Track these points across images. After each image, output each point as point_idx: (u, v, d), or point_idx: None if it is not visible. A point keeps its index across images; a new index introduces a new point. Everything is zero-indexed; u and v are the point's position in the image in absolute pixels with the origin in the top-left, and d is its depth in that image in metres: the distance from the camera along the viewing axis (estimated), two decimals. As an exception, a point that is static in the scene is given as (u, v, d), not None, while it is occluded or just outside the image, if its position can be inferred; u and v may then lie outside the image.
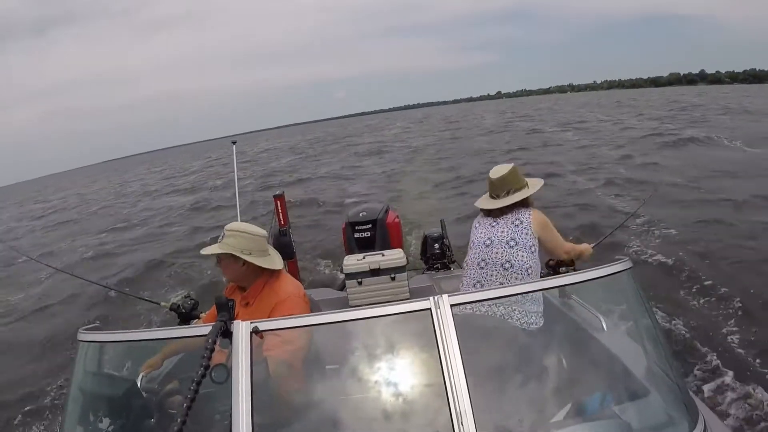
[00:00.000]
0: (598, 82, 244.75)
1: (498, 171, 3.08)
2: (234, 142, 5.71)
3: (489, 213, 3.05)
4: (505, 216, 2.98)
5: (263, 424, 1.63)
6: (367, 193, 16.28)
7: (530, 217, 2.92)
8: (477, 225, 3.10)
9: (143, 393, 2.31)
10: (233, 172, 5.26)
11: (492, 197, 3.05)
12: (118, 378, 2.28)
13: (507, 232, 2.90)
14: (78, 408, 2.08)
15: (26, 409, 5.40)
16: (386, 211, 5.06)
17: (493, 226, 2.96)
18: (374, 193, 16.42)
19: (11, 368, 6.32)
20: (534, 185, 3.08)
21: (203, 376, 1.45)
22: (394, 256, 3.82)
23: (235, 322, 1.67)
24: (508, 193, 3.00)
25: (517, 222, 2.91)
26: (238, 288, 2.76)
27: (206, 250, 2.68)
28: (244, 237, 2.61)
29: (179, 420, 1.35)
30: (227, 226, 2.67)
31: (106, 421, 2.09)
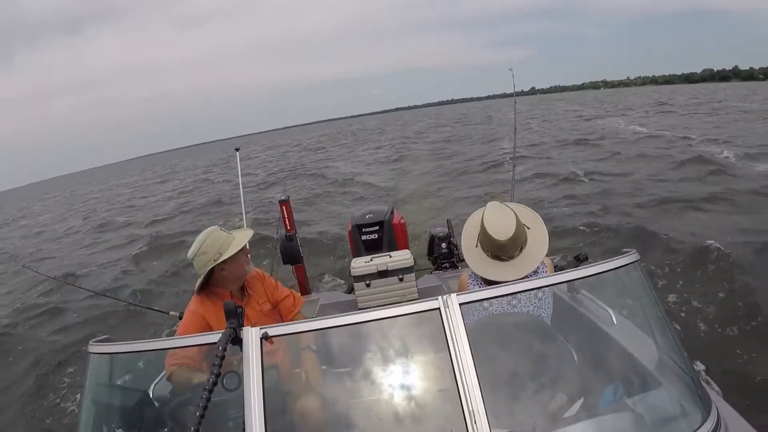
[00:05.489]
0: (632, 78, 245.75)
1: (502, 226, 2.32)
2: (237, 149, 5.75)
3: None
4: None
5: (276, 429, 1.63)
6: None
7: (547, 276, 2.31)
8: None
9: (155, 403, 2.31)
10: (239, 177, 5.33)
11: (501, 259, 2.35)
12: (130, 389, 2.29)
13: (532, 309, 2.28)
14: (91, 420, 2.08)
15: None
16: (392, 213, 5.06)
17: (513, 306, 2.24)
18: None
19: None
20: (534, 222, 2.47)
21: (215, 383, 1.45)
22: (401, 257, 3.82)
23: (245, 328, 1.67)
24: (521, 250, 2.37)
25: (539, 293, 2.27)
26: (239, 289, 2.79)
27: (243, 243, 2.68)
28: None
29: (192, 428, 1.35)
30: (211, 230, 2.67)
31: None
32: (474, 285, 2.48)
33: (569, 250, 7.41)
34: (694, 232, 7.72)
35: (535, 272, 2.41)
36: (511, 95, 5.94)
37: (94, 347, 2.01)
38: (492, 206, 2.42)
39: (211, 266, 2.57)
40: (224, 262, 2.58)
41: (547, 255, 2.47)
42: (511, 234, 2.30)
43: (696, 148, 16.67)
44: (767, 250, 6.59)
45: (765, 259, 6.32)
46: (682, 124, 25.21)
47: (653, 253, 7.16)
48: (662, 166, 14.23)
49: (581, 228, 9.12)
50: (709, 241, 6.96)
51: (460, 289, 2.55)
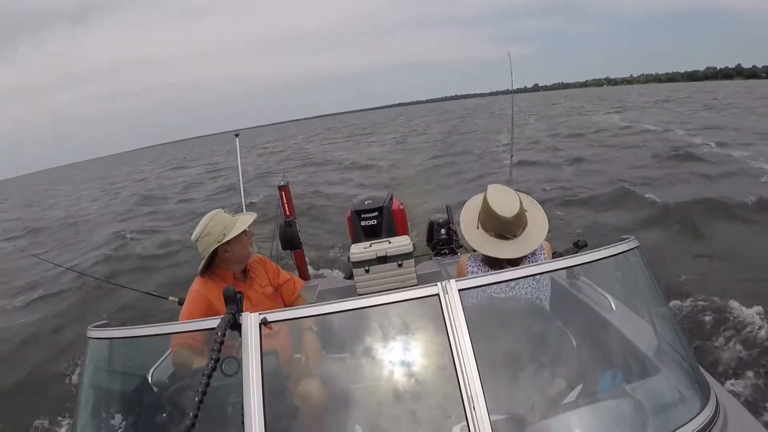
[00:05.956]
0: (635, 75, 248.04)
1: (507, 204, 2.34)
2: (237, 135, 5.73)
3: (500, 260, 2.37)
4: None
5: (275, 414, 1.63)
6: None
7: (545, 259, 2.44)
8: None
9: (154, 388, 2.32)
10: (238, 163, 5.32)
11: (505, 237, 2.35)
12: (129, 374, 2.29)
13: (530, 291, 2.30)
14: (90, 405, 2.08)
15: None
16: (391, 199, 5.06)
17: (511, 287, 2.23)
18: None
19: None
20: (533, 207, 2.49)
21: (214, 369, 1.45)
22: (400, 243, 3.82)
23: (244, 313, 1.66)
24: (523, 230, 2.38)
25: (538, 275, 2.18)
26: (241, 272, 2.81)
27: (246, 224, 2.71)
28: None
29: (191, 414, 1.34)
30: (215, 213, 2.71)
31: (118, 417, 2.10)
32: (473, 267, 2.48)
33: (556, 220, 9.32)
34: (666, 200, 9.80)
35: (534, 254, 2.43)
36: (515, 92, 5.91)
37: (92, 332, 2.00)
38: (494, 187, 2.44)
39: (216, 247, 2.61)
40: (228, 243, 2.63)
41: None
42: (516, 211, 2.31)
43: (685, 138, 18.69)
44: (724, 210, 8.83)
45: (717, 215, 8.63)
46: (677, 119, 27.39)
47: (626, 213, 9.76)
48: (649, 154, 16.18)
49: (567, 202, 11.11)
50: (671, 201, 9.48)
51: (459, 273, 2.55)
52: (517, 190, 2.50)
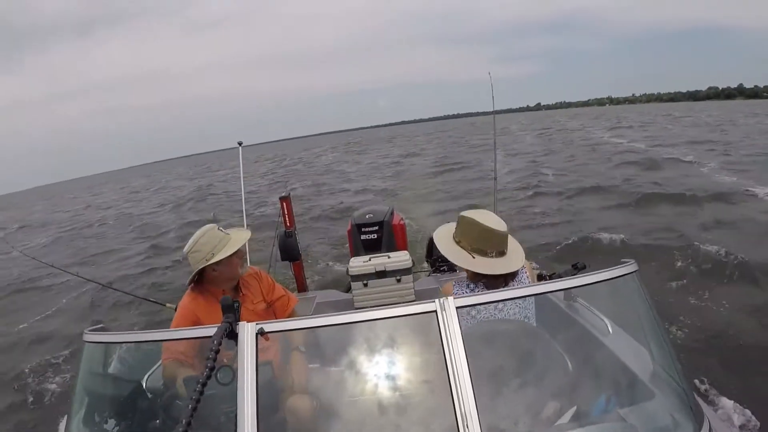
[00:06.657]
0: (637, 95, 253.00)
1: (495, 220, 2.36)
2: (240, 143, 5.74)
3: (488, 280, 2.35)
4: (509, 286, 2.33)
5: (268, 425, 1.63)
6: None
7: (528, 279, 2.44)
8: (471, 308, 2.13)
9: (148, 394, 2.31)
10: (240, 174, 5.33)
11: (497, 255, 2.32)
12: (123, 379, 2.28)
13: (518, 311, 2.28)
14: (83, 409, 2.08)
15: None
16: (392, 213, 5.06)
17: (500, 309, 2.24)
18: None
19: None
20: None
21: (208, 377, 1.45)
22: (399, 258, 3.82)
23: (241, 323, 1.66)
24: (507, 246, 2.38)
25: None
26: (232, 288, 2.77)
27: (238, 245, 2.63)
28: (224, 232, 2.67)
29: (184, 421, 1.35)
30: (208, 229, 2.64)
31: (111, 422, 2.09)
32: (459, 293, 2.41)
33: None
34: (627, 190, 12.95)
35: (518, 274, 2.41)
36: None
37: (89, 336, 2.01)
38: (473, 212, 2.40)
39: (203, 266, 2.54)
40: (216, 263, 2.55)
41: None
42: (504, 227, 2.32)
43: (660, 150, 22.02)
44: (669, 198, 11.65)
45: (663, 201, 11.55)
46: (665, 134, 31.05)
47: (601, 201, 12.40)
48: (628, 161, 19.30)
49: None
50: (640, 188, 12.73)
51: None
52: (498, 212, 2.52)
